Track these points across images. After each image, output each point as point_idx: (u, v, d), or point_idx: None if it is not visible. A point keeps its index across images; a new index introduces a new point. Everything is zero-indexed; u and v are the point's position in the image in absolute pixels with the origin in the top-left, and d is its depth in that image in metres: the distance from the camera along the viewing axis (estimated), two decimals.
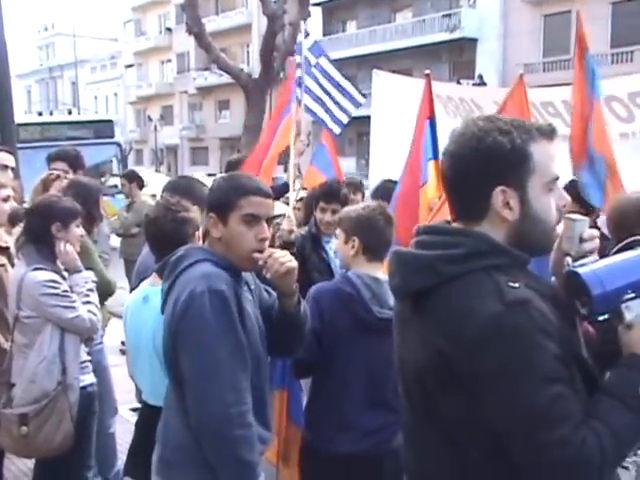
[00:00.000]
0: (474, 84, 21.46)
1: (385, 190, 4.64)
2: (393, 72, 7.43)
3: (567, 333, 1.42)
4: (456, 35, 29.59)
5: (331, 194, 3.88)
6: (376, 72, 6.41)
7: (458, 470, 1.47)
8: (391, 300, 2.47)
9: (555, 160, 1.49)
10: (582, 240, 1.48)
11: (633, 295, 1.40)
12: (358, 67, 29.30)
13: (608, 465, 1.36)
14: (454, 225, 1.54)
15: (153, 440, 2.49)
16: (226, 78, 15.67)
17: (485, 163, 1.44)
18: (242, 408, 1.98)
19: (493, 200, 1.45)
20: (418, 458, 1.59)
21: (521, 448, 1.37)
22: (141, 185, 7.82)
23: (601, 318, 1.45)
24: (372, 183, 6.18)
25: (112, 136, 14.71)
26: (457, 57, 30.01)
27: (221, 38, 33.71)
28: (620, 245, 1.51)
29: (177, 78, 46.78)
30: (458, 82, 20.15)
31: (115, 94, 52.53)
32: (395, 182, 4.66)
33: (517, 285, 1.38)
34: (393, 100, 6.07)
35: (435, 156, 4.01)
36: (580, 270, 1.42)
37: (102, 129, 14.50)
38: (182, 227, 2.66)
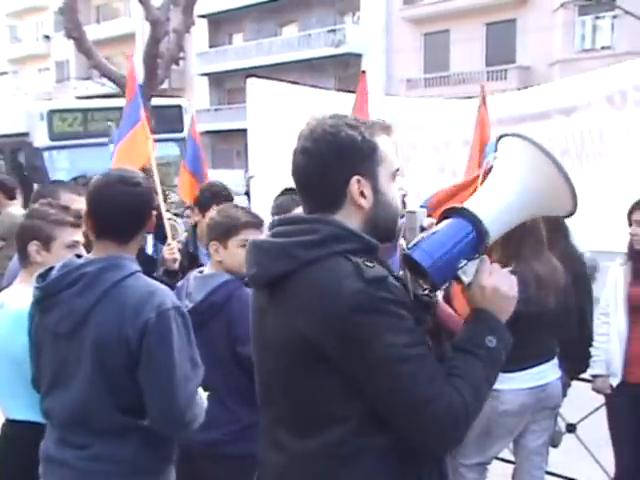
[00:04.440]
0: None
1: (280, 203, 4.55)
2: None
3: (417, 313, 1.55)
4: (341, 50, 30.12)
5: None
6: (250, 81, 6.25)
7: (327, 454, 1.52)
8: (197, 294, 2.76)
9: (394, 153, 1.64)
10: (422, 229, 1.63)
11: (466, 261, 1.57)
12: (245, 80, 29.17)
13: (471, 417, 1.50)
14: (309, 215, 1.61)
15: (20, 458, 2.35)
16: (108, 88, 15.10)
17: (341, 155, 1.55)
18: None
19: (350, 190, 1.56)
20: (276, 457, 1.62)
21: (396, 412, 1.47)
22: (10, 195, 7.31)
23: (443, 287, 1.65)
24: (253, 194, 6.06)
25: (180, 129, 9.75)
26: (343, 71, 30.49)
27: (103, 47, 32.63)
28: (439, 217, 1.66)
29: (56, 87, 44.89)
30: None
31: None
32: (293, 190, 4.52)
33: (373, 264, 1.49)
34: (270, 108, 5.94)
35: None
36: (412, 252, 1.56)
37: (166, 119, 9.71)
38: None
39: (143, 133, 4.55)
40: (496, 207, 1.59)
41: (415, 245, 1.57)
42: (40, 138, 9.05)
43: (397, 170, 1.63)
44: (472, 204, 1.60)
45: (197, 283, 2.86)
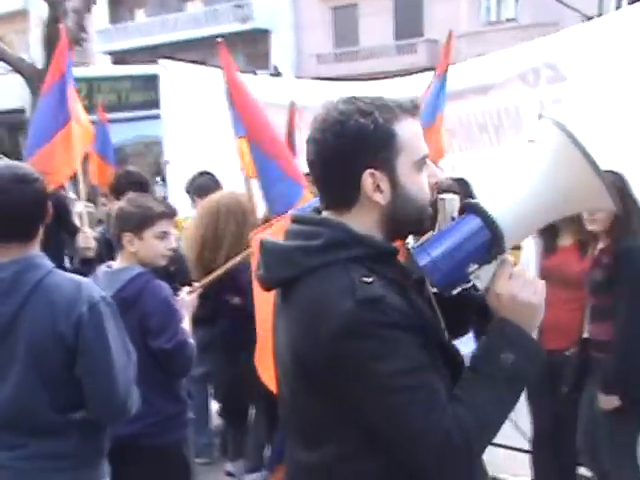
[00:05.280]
0: (271, 74, 21.63)
1: (201, 184, 4.52)
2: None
3: (427, 321, 1.42)
4: (249, 26, 29.69)
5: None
6: (163, 64, 6.04)
7: (325, 472, 1.43)
8: (106, 291, 2.55)
9: (422, 137, 1.45)
10: (453, 219, 1.45)
11: (477, 266, 1.39)
12: (151, 58, 28.40)
13: (477, 448, 1.37)
14: (322, 214, 1.47)
15: None
16: (4, 70, 14.33)
17: (350, 148, 1.39)
18: None
19: (363, 185, 1.40)
20: (291, 460, 1.55)
21: (391, 441, 1.35)
22: None
23: (455, 292, 1.46)
24: (170, 180, 5.93)
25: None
26: (251, 48, 30.11)
27: None
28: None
29: None
30: (254, 73, 20.15)
31: None
32: (208, 173, 4.54)
33: (370, 280, 1.34)
34: (183, 91, 5.80)
35: None
36: (416, 252, 1.41)
37: (145, 91, 7.70)
38: None
39: (74, 133, 4.16)
40: (516, 204, 1.39)
41: (421, 244, 1.42)
42: None
43: (425, 157, 1.44)
44: (489, 199, 1.41)
45: (106, 279, 2.77)
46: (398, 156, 1.40)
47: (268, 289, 1.52)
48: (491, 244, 1.38)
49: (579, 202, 1.43)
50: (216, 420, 4.73)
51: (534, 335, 1.43)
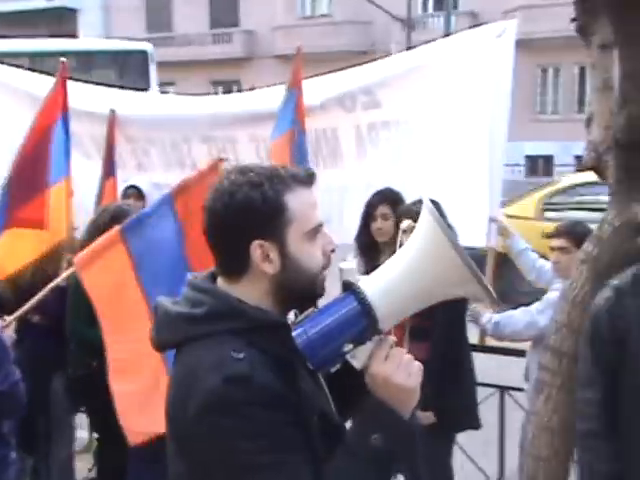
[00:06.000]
0: None
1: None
2: None
3: (304, 397, 1.38)
4: (55, 3, 27.93)
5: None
6: None
7: None
8: None
9: (316, 206, 1.45)
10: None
11: (351, 345, 1.38)
12: None
13: None
14: (217, 280, 1.47)
15: None
16: None
17: (238, 219, 1.39)
18: None
19: (251, 255, 1.40)
20: None
21: None
22: None
23: (333, 369, 1.45)
24: None
25: (146, 86, 6.76)
26: (56, 27, 28.29)
27: None
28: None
29: None
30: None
31: None
32: None
33: (241, 356, 1.32)
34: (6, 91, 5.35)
35: None
36: (294, 331, 1.38)
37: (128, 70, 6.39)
38: None
39: None
40: (393, 290, 1.39)
41: (301, 320, 1.41)
42: None
43: (318, 226, 1.44)
44: (369, 281, 1.40)
45: None
46: (288, 227, 1.40)
47: (158, 350, 1.52)
48: (367, 327, 1.38)
49: (453, 289, 1.43)
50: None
51: (406, 417, 1.42)
